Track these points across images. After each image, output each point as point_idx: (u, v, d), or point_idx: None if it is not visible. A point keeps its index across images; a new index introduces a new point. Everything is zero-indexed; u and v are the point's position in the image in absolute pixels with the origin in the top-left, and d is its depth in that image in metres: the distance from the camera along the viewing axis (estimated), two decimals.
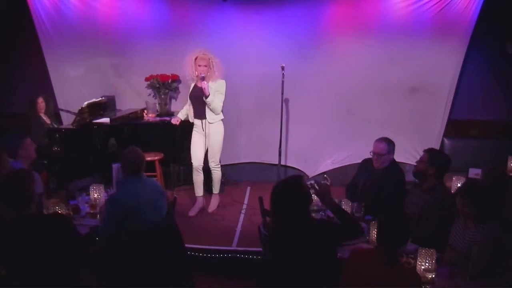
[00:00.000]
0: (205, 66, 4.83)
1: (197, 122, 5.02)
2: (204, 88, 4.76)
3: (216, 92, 4.89)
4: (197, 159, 5.07)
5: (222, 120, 5.04)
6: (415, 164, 3.82)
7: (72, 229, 1.81)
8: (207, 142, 5.01)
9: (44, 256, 1.68)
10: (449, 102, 5.69)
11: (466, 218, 2.99)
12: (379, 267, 2.50)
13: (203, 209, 5.24)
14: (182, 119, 5.22)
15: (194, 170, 5.12)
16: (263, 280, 3.01)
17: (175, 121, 5.23)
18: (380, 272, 2.48)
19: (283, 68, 4.95)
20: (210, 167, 5.13)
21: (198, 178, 5.13)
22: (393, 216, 2.68)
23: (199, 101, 4.91)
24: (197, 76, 4.86)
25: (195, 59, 4.87)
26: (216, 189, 5.25)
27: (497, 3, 5.28)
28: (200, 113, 4.96)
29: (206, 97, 4.79)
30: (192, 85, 5.01)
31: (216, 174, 5.17)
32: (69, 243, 1.73)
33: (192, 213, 5.15)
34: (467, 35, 5.45)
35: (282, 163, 5.59)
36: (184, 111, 5.22)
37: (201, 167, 5.09)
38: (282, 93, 5.00)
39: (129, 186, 3.40)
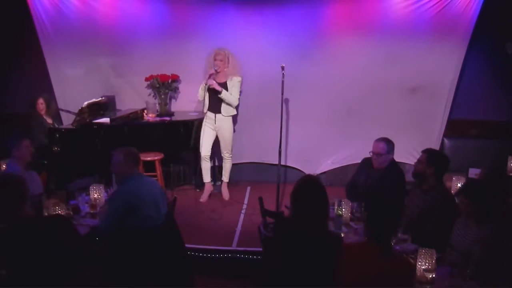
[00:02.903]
0: (221, 60, 5.25)
1: (210, 114, 5.37)
2: (212, 85, 5.17)
3: (233, 87, 5.32)
4: (206, 149, 5.43)
5: (233, 115, 5.48)
6: (414, 164, 3.81)
7: (72, 230, 1.81)
8: (217, 134, 5.42)
9: (44, 257, 1.68)
10: (449, 102, 5.69)
11: (468, 217, 2.99)
12: (371, 258, 2.51)
13: (211, 195, 5.64)
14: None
15: (202, 159, 5.45)
16: (264, 280, 3.01)
17: (209, 77, 5.19)
18: (373, 263, 2.50)
19: (283, 68, 4.95)
20: (224, 157, 5.52)
21: (206, 165, 5.52)
22: (380, 208, 2.68)
23: (213, 96, 5.30)
24: (213, 72, 5.20)
25: (214, 55, 5.30)
26: (227, 177, 5.65)
27: (497, 3, 5.28)
28: (214, 107, 5.34)
29: (219, 92, 5.22)
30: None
31: (228, 163, 5.58)
32: (69, 244, 1.73)
33: (203, 199, 5.51)
34: (467, 35, 5.45)
35: (282, 163, 5.59)
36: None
37: (209, 156, 5.48)
38: (282, 93, 5.00)
39: (132, 183, 3.39)
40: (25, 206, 2.80)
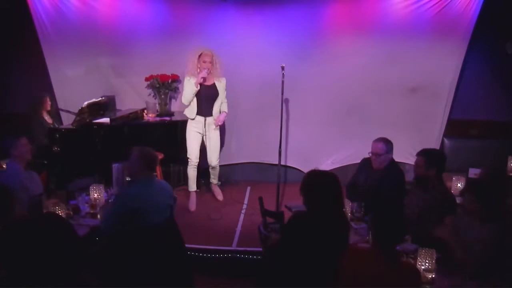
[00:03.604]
0: (210, 62, 4.99)
1: (199, 118, 5.12)
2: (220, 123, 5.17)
3: (224, 91, 5.16)
4: (195, 155, 5.23)
5: None
6: (414, 170, 3.75)
7: (66, 228, 1.80)
8: (206, 140, 5.18)
9: (38, 257, 1.69)
10: (449, 102, 5.69)
11: (473, 216, 2.96)
12: (377, 266, 2.49)
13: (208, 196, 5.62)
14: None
15: (191, 166, 5.27)
16: (265, 280, 3.01)
17: (201, 77, 4.93)
18: (379, 271, 2.47)
19: (283, 68, 4.94)
20: (212, 163, 5.31)
21: (194, 173, 5.33)
22: (388, 213, 2.67)
23: (206, 99, 5.04)
24: (200, 74, 4.93)
25: (199, 55, 5.00)
26: (216, 180, 5.57)
27: (497, 3, 5.28)
28: (204, 111, 5.07)
29: (213, 99, 5.09)
30: (195, 79, 4.98)
31: (217, 168, 5.44)
32: (63, 243, 1.74)
33: (193, 207, 5.31)
34: (467, 35, 5.45)
35: (282, 163, 5.59)
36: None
37: (197, 162, 5.29)
38: (282, 93, 5.00)
39: (140, 187, 3.33)
40: (14, 211, 2.85)
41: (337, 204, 2.85)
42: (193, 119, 5.12)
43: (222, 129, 5.61)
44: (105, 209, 3.59)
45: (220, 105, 5.21)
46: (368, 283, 2.47)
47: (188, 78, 5.04)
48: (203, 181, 5.98)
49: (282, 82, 4.95)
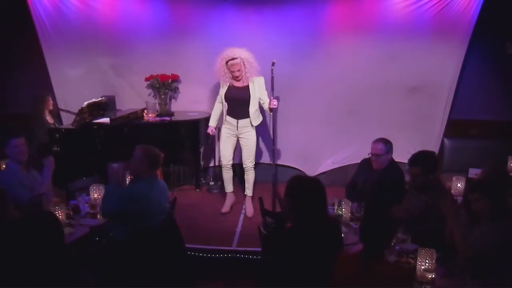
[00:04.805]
0: (239, 70, 4.89)
1: (231, 120, 5.04)
2: (275, 106, 4.89)
3: (261, 91, 4.99)
4: (226, 158, 5.14)
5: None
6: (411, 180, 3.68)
7: (58, 229, 1.81)
8: (240, 141, 5.11)
9: (31, 256, 1.69)
10: (449, 102, 5.69)
11: (477, 215, 2.94)
12: (363, 269, 2.49)
13: (233, 205, 5.33)
14: (215, 127, 5.20)
15: (224, 168, 5.19)
16: (266, 282, 3.00)
17: (211, 130, 5.17)
18: (365, 274, 2.47)
19: (273, 64, 4.86)
20: (246, 167, 5.15)
21: (228, 175, 5.21)
22: (375, 215, 2.66)
23: (237, 102, 4.98)
24: (232, 78, 4.93)
25: (226, 63, 4.90)
26: (250, 190, 5.24)
27: (497, 3, 5.28)
28: (236, 113, 5.01)
29: (247, 102, 4.93)
30: (226, 85, 5.00)
31: (251, 174, 5.19)
32: (56, 243, 1.74)
33: (225, 209, 5.24)
34: (467, 35, 5.44)
35: (282, 163, 5.59)
36: (216, 115, 5.17)
37: (231, 164, 5.18)
38: (272, 89, 4.92)
39: (143, 185, 3.34)
40: (9, 211, 2.86)
41: (321, 208, 2.81)
42: (225, 120, 5.06)
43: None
44: (109, 195, 3.42)
45: (257, 108, 5.04)
46: (355, 284, 2.47)
47: (221, 84, 5.07)
48: (203, 181, 5.98)
49: (272, 78, 4.88)
